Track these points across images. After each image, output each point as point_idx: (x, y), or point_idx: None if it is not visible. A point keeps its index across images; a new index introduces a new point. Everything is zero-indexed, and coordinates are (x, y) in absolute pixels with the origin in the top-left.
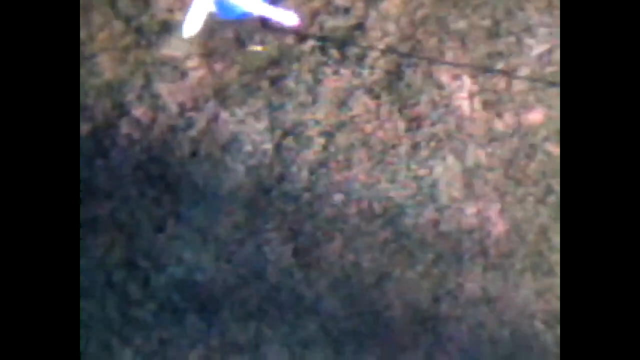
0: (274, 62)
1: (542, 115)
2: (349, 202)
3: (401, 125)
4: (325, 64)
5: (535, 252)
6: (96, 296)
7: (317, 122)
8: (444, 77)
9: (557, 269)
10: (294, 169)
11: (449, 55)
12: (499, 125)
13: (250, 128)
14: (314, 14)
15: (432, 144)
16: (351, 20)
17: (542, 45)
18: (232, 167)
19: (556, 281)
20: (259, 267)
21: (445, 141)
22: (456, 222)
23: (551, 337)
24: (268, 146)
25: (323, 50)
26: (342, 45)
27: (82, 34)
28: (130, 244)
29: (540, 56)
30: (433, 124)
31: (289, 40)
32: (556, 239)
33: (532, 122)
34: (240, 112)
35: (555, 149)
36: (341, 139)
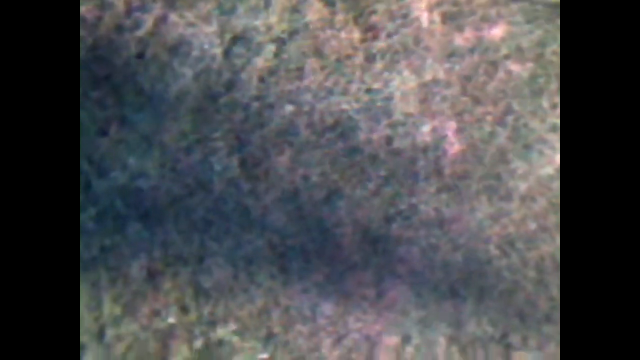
0: None
1: (504, 31)
2: (299, 113)
3: (356, 35)
4: None
5: (492, 175)
6: None
7: (268, 28)
8: None
9: (515, 194)
10: (243, 76)
11: None
12: (458, 40)
13: (199, 31)
14: None
15: (388, 56)
16: None
17: None
18: (180, 71)
19: (513, 206)
20: (204, 177)
21: (401, 54)
22: (410, 139)
23: (506, 263)
24: (217, 51)
25: None
26: None
27: None
28: None
29: None
30: (389, 36)
31: None
32: (515, 163)
33: (494, 37)
34: (189, 14)
35: (516, 67)
36: (293, 46)
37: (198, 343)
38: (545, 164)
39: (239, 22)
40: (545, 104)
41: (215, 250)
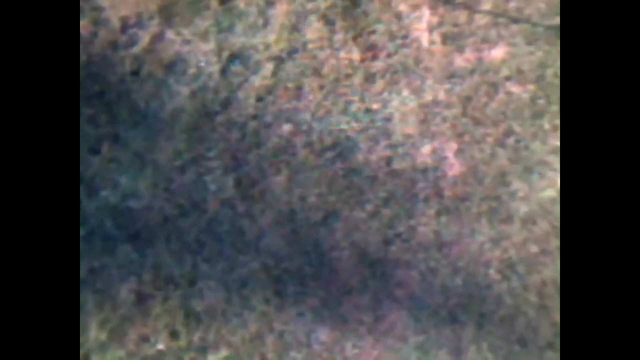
0: None
1: (504, 52)
2: (297, 133)
3: (355, 54)
4: None
5: (492, 197)
6: None
7: (266, 47)
8: (403, 6)
9: (516, 217)
10: (240, 94)
11: None
12: (458, 61)
13: (195, 49)
14: None
15: (388, 76)
16: None
17: None
18: (175, 89)
19: (513, 229)
20: (198, 197)
21: (401, 74)
22: (410, 161)
23: (507, 287)
24: (214, 69)
25: None
26: None
27: None
28: None
29: None
30: (389, 56)
31: None
32: (515, 185)
33: (494, 59)
34: (186, 32)
35: (517, 89)
36: (291, 65)
37: None
38: (547, 187)
39: (236, 40)
40: (546, 125)
41: (208, 272)
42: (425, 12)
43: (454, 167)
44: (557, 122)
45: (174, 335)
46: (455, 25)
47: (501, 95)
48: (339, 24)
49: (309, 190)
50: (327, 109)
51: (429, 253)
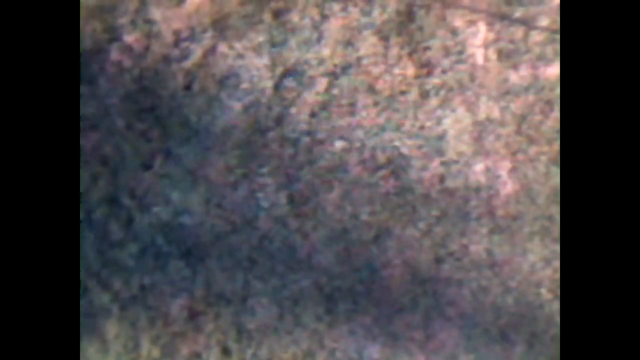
0: None
1: (560, 69)
2: (350, 150)
3: (410, 70)
4: None
5: (545, 216)
6: None
7: (320, 62)
8: (458, 22)
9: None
10: (293, 110)
11: None
12: (514, 78)
13: (249, 63)
14: None
15: (442, 93)
16: None
17: None
18: (228, 104)
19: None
20: (250, 214)
21: (456, 91)
22: (463, 179)
23: (557, 307)
24: (267, 84)
25: None
26: None
27: None
28: (114, 180)
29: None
30: (444, 72)
31: None
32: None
33: (550, 76)
34: (239, 46)
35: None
36: (345, 81)
37: None
38: None
39: (290, 55)
40: None
41: (260, 289)
42: (482, 28)
43: (507, 186)
44: None
45: (225, 352)
46: (511, 41)
47: (556, 114)
48: (393, 39)
49: (361, 208)
50: (380, 126)
51: (480, 272)
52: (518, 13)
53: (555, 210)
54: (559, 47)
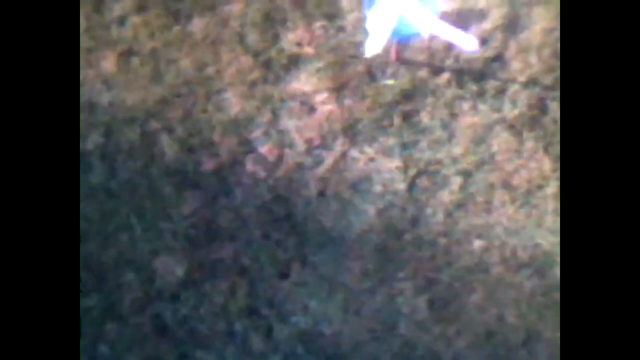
0: (407, 97)
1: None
2: (490, 249)
3: (547, 164)
4: (462, 97)
5: None
6: (217, 346)
7: (453, 161)
8: None
9: None
10: (428, 211)
11: None
12: None
13: (381, 166)
14: (449, 45)
15: None
16: (489, 52)
17: None
18: (362, 208)
19: None
20: (390, 320)
21: None
22: None
23: None
24: (400, 186)
25: (459, 83)
26: (479, 78)
27: (211, 70)
28: (252, 291)
29: None
30: None
31: (423, 73)
32: None
33: None
34: (370, 150)
35: None
36: (480, 178)
37: None
38: None
39: (422, 156)
40: None
41: None
42: None
43: None
44: None
45: None
46: None
47: None
48: (526, 133)
49: (506, 309)
50: (520, 223)
51: None
52: None
53: None
54: None
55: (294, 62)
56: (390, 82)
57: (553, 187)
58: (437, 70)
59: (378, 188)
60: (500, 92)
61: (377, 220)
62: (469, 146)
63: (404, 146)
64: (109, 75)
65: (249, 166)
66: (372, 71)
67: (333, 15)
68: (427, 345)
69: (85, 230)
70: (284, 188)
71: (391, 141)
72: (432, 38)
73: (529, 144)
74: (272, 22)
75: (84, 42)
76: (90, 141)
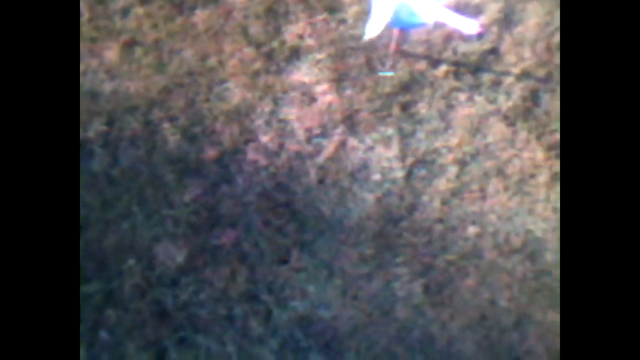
0: (405, 88)
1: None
2: (484, 235)
3: (539, 154)
4: (458, 89)
5: None
6: (216, 331)
7: (450, 150)
8: None
9: None
10: (425, 198)
11: None
12: None
13: (379, 155)
14: (447, 39)
15: None
16: (485, 45)
17: None
18: (360, 195)
19: None
20: (387, 305)
21: None
22: None
23: None
24: (398, 174)
25: (456, 75)
26: (476, 70)
27: (213, 61)
28: (252, 276)
29: None
30: None
31: (421, 65)
32: None
33: None
34: (369, 139)
35: None
36: (475, 167)
37: None
38: None
39: (420, 145)
40: None
41: None
42: None
43: None
44: None
45: None
46: None
47: None
48: (520, 124)
49: (499, 294)
50: (513, 210)
51: None
52: None
53: None
54: None
55: (296, 53)
56: (389, 73)
57: (545, 176)
58: (435, 63)
59: (376, 176)
60: (496, 84)
61: (375, 207)
62: (464, 136)
63: (402, 136)
64: (112, 65)
65: (250, 154)
66: (372, 62)
67: (334, 9)
68: (422, 329)
69: (87, 217)
70: (285, 176)
71: (390, 131)
72: (431, 30)
73: (523, 135)
74: (274, 15)
75: (88, 32)
76: (93, 129)
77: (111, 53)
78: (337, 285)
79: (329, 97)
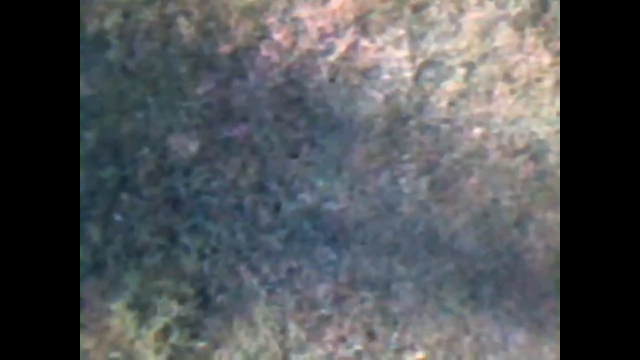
0: None
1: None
2: (489, 136)
3: (546, 59)
4: None
5: None
6: (226, 219)
7: (458, 53)
8: None
9: None
10: (433, 99)
11: None
12: None
13: (390, 56)
14: None
15: None
16: None
17: None
18: (370, 94)
19: None
20: (393, 200)
21: None
22: None
23: None
24: (407, 75)
25: None
26: None
27: None
28: (262, 168)
29: None
30: None
31: None
32: None
33: None
34: (380, 40)
35: None
36: (483, 70)
37: None
38: None
39: (429, 47)
40: None
41: (404, 274)
42: None
43: None
44: None
45: (370, 336)
46: None
47: None
48: (528, 29)
49: (501, 192)
50: (518, 113)
51: None
52: None
53: None
54: None
55: None
56: None
57: (551, 81)
58: None
59: (386, 76)
60: None
61: (383, 106)
62: (473, 39)
63: (413, 37)
64: None
65: (264, 51)
66: None
67: None
68: (426, 224)
69: (102, 106)
70: (297, 73)
71: (400, 32)
72: None
73: (530, 40)
74: None
75: None
76: (109, 20)
77: None
78: (345, 179)
79: None
